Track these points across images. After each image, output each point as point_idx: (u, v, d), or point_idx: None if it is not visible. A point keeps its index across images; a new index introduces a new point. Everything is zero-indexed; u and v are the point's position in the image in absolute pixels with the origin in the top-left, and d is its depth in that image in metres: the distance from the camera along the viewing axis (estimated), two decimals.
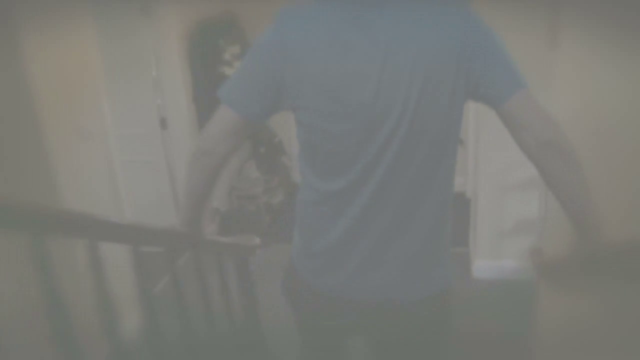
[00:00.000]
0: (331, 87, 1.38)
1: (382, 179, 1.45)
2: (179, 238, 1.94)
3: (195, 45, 4.54)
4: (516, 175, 3.61)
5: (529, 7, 3.09)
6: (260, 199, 5.03)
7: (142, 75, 4.28)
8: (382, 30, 1.35)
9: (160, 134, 4.46)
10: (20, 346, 1.77)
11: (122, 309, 1.87)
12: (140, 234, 1.91)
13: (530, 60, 3.12)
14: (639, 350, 1.53)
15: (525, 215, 3.63)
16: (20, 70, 2.52)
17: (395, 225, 1.50)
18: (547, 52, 2.73)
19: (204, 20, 4.62)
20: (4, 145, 2.49)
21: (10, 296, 2.23)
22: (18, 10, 2.48)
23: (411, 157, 1.42)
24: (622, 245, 1.40)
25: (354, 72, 1.36)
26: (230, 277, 2.47)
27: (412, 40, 1.35)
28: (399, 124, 1.38)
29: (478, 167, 3.92)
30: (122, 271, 2.12)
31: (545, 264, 1.91)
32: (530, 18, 3.07)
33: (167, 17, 4.29)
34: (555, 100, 2.20)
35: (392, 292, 1.57)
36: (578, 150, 1.35)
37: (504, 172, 3.67)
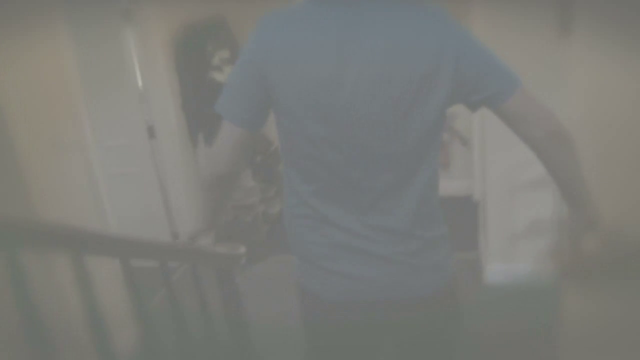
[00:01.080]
0: (309, 89, 1.42)
1: (361, 181, 1.52)
2: (165, 250, 1.97)
3: (182, 50, 4.44)
4: (527, 174, 3.50)
5: None
6: (257, 208, 4.95)
7: (127, 83, 4.18)
8: (361, 34, 1.39)
9: (148, 143, 4.36)
10: None
11: (117, 324, 1.81)
12: (125, 245, 1.85)
13: (539, 49, 3.11)
14: None
15: (538, 215, 3.55)
16: None
17: (382, 223, 1.56)
18: (558, 39, 2.66)
19: (191, 24, 4.54)
20: None
21: None
22: None
23: (389, 160, 1.49)
24: None
25: (332, 75, 1.40)
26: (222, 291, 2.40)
27: (392, 43, 1.38)
28: (377, 128, 1.44)
29: (485, 168, 3.85)
30: (116, 286, 2.05)
31: (568, 264, 1.85)
32: (540, 3, 2.99)
33: (150, 21, 4.20)
34: (568, 90, 2.15)
35: (395, 290, 1.61)
36: (592, 142, 1.43)
37: (513, 171, 3.57)
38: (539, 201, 3.47)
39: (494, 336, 3.18)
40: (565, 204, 1.60)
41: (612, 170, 1.87)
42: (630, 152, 1.76)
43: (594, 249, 1.66)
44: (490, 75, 1.43)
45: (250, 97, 1.50)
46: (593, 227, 1.58)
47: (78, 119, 3.08)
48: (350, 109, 1.42)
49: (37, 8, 2.79)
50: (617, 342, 1.82)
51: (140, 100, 4.27)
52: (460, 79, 1.42)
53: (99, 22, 3.95)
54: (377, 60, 1.39)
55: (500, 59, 1.46)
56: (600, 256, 1.67)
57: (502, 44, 2.99)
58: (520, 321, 3.25)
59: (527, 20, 2.85)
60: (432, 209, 1.62)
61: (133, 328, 2.04)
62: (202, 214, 1.85)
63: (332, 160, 1.49)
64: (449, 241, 1.71)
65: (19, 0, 2.60)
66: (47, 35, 2.90)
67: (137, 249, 1.91)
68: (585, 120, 2.04)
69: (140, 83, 4.24)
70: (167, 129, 4.41)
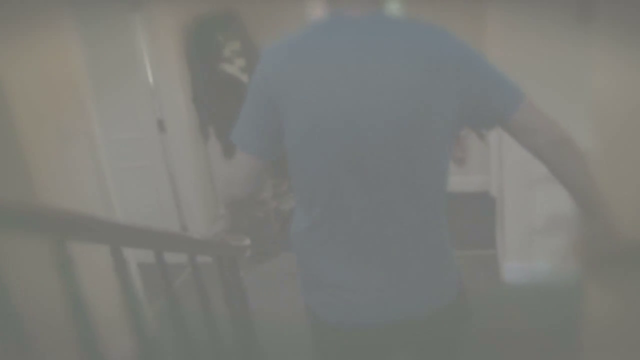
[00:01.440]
0: (319, 115, 1.44)
1: (370, 204, 1.52)
2: (167, 240, 1.97)
3: (192, 41, 4.42)
4: (545, 168, 3.43)
5: None
6: (269, 204, 4.90)
7: (136, 76, 4.15)
8: (368, 57, 1.41)
9: (158, 137, 4.33)
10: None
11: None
12: (128, 234, 1.82)
13: (557, 36, 3.04)
14: None
15: (557, 211, 3.46)
16: None
17: (389, 242, 1.57)
18: (577, 26, 2.59)
19: (201, 15, 4.51)
20: None
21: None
22: None
23: (398, 183, 1.50)
24: None
25: (341, 100, 1.42)
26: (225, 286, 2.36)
27: (399, 65, 1.40)
28: (385, 150, 1.45)
29: (503, 162, 3.79)
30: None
31: (589, 261, 1.79)
32: None
33: (160, 12, 4.17)
34: (589, 79, 2.08)
35: (404, 309, 1.62)
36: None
37: (531, 166, 3.40)
38: (558, 196, 3.27)
39: (511, 336, 3.12)
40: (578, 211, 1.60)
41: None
42: None
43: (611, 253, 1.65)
44: (495, 90, 1.45)
45: (262, 127, 1.54)
46: (608, 236, 1.57)
47: (85, 111, 3.05)
48: (360, 132, 1.44)
49: (44, 2, 2.77)
50: None
51: (150, 93, 4.24)
52: (467, 97, 1.43)
53: (108, 13, 3.91)
54: (385, 82, 1.41)
55: (504, 73, 1.47)
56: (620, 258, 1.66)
57: (520, 38, 2.91)
58: (540, 321, 3.18)
59: (544, 9, 2.78)
60: (439, 231, 1.63)
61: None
62: (224, 222, 1.97)
63: (342, 184, 1.51)
64: (453, 252, 1.69)
65: None
66: (55, 27, 2.88)
67: (135, 237, 1.87)
68: (609, 114, 1.98)
69: (150, 75, 4.20)
70: (177, 122, 4.37)
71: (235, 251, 2.30)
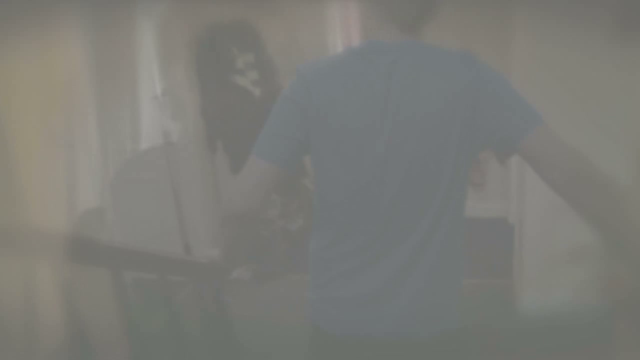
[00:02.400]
0: (349, 135, 1.55)
1: (389, 230, 1.60)
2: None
3: (203, 51, 4.38)
4: None
5: None
6: (276, 223, 4.83)
7: (143, 85, 4.12)
8: (396, 82, 1.52)
9: (163, 149, 4.28)
10: None
11: None
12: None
13: (593, 53, 2.97)
14: None
15: (581, 239, 3.39)
16: None
17: (403, 261, 1.62)
18: (618, 41, 2.51)
19: (215, 24, 4.49)
20: None
21: None
22: None
23: (416, 205, 1.58)
24: None
25: (371, 121, 1.54)
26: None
27: (425, 91, 1.52)
28: (405, 171, 1.55)
29: (523, 188, 3.73)
30: None
31: (624, 296, 1.72)
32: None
33: (171, 20, 4.15)
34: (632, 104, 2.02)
35: (408, 327, 1.66)
36: None
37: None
38: (582, 224, 3.28)
39: None
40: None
41: None
42: None
43: None
44: (510, 112, 1.50)
45: (290, 137, 1.59)
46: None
47: (84, 119, 3.02)
48: (386, 155, 1.54)
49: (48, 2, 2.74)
50: None
51: (157, 103, 4.22)
52: (483, 120, 1.52)
53: (115, 19, 3.89)
54: (413, 108, 1.52)
55: (523, 98, 1.54)
56: None
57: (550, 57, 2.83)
58: (559, 357, 3.09)
59: (578, 21, 2.72)
60: (453, 256, 1.67)
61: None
62: (224, 244, 2.01)
63: (366, 203, 1.59)
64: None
65: None
66: (58, 31, 2.86)
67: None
68: None
69: (157, 84, 4.19)
70: (183, 134, 4.36)
71: (213, 273, 2.25)
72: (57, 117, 2.76)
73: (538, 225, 3.64)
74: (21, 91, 2.50)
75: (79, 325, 1.50)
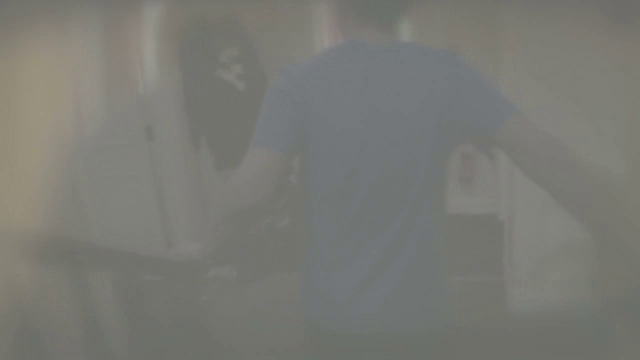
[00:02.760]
0: (328, 132, 1.60)
1: (367, 222, 1.65)
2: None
3: (187, 45, 4.36)
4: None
5: None
6: (262, 221, 4.81)
7: (125, 79, 4.06)
8: (377, 80, 1.59)
9: (146, 145, 4.26)
10: None
11: None
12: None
13: (585, 44, 2.95)
14: None
15: (572, 236, 3.39)
16: None
17: (389, 255, 1.67)
18: (611, 32, 2.49)
19: (198, 17, 4.45)
20: None
21: None
22: None
23: (394, 197, 1.63)
24: None
25: (351, 118, 1.59)
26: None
27: (405, 90, 1.58)
28: (389, 165, 1.60)
29: (513, 184, 3.73)
30: None
31: (617, 292, 1.69)
32: None
33: (154, 13, 4.12)
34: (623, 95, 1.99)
35: (388, 320, 1.71)
36: None
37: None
38: (572, 220, 3.28)
39: None
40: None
41: None
42: None
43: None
44: (485, 104, 1.56)
45: (287, 123, 1.60)
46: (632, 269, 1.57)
47: (60, 114, 2.96)
48: (371, 150, 1.59)
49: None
50: None
51: (140, 98, 4.17)
52: (461, 113, 1.57)
53: (97, 13, 3.85)
54: (393, 104, 1.58)
55: (498, 90, 1.61)
56: None
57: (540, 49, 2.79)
58: (549, 356, 3.08)
59: (570, 12, 2.70)
60: (435, 251, 1.71)
61: None
62: (211, 243, 1.88)
63: (355, 199, 1.63)
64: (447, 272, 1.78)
65: None
66: (39, 26, 2.82)
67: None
68: None
69: (140, 79, 4.14)
70: (167, 130, 4.30)
71: (193, 273, 2.20)
72: (35, 113, 2.72)
73: (528, 222, 3.63)
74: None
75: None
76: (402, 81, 1.58)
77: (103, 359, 1.79)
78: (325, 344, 1.78)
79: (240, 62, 4.57)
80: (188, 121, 4.46)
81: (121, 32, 4.00)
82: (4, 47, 2.46)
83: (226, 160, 4.45)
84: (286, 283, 1.80)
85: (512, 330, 3.52)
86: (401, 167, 1.60)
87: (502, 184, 5.04)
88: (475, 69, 1.62)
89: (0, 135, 2.47)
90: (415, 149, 1.59)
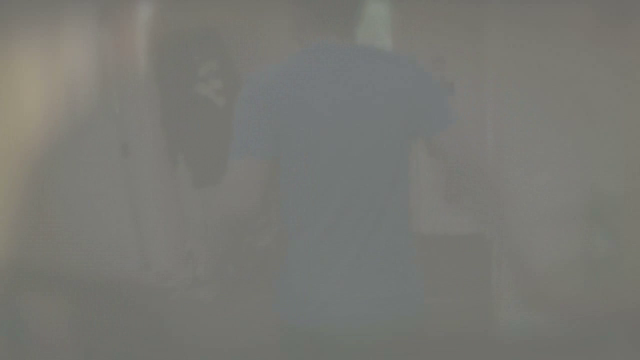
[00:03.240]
0: (299, 134, 1.73)
1: (348, 216, 1.78)
2: None
3: (164, 58, 4.32)
4: (550, 206, 3.30)
5: None
6: (243, 240, 4.75)
7: (99, 93, 3.98)
8: (339, 80, 1.74)
9: (121, 162, 4.19)
10: None
11: None
12: None
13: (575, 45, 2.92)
14: None
15: (563, 255, 3.36)
16: None
17: (366, 251, 1.81)
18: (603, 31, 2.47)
19: (176, 30, 4.41)
20: None
21: None
22: None
23: (365, 195, 1.78)
24: None
25: (318, 120, 1.72)
26: None
27: (364, 91, 1.74)
28: (356, 166, 1.76)
29: (500, 202, 3.69)
30: None
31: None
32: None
33: (130, 25, 4.07)
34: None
35: (363, 314, 1.83)
36: None
37: (534, 203, 3.36)
38: (563, 240, 3.28)
39: None
40: None
41: None
42: None
43: None
44: (432, 109, 1.80)
45: (260, 130, 1.73)
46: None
47: (38, 132, 2.91)
48: (344, 147, 1.74)
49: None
50: None
51: (114, 114, 4.13)
52: (415, 112, 1.78)
53: (70, 23, 3.79)
54: (354, 105, 1.73)
55: (446, 98, 1.86)
56: None
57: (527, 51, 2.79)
58: None
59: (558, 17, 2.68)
60: (404, 243, 1.90)
61: None
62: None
63: (329, 196, 1.77)
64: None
65: None
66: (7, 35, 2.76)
67: None
68: None
69: (115, 94, 4.10)
70: (143, 147, 4.25)
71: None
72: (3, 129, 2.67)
73: (516, 240, 3.61)
74: None
75: None
76: (367, 82, 1.74)
77: None
78: (301, 345, 1.88)
79: (219, 77, 4.53)
80: (166, 137, 4.41)
81: (95, 46, 3.95)
82: None
83: (205, 178, 4.39)
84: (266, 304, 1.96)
85: (500, 352, 3.49)
86: (371, 165, 1.76)
87: (489, 202, 5.00)
88: (429, 74, 1.86)
89: None
90: (382, 145, 1.75)
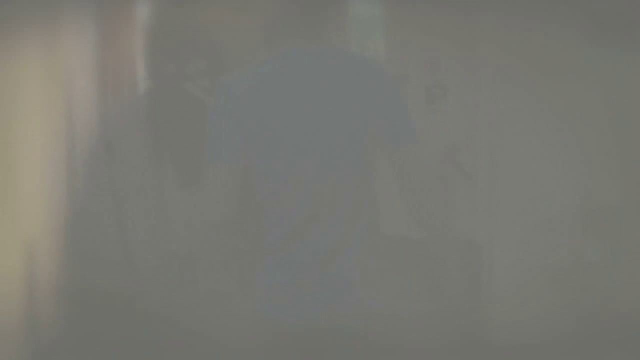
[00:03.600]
0: (270, 138, 1.85)
1: (317, 218, 1.90)
2: None
3: (151, 55, 4.29)
4: (542, 213, 3.30)
5: None
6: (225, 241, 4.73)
7: (82, 90, 3.97)
8: (309, 86, 1.86)
9: (105, 160, 4.14)
10: None
11: None
12: None
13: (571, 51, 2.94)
14: None
15: (556, 264, 3.36)
16: None
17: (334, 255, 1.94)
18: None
19: (165, 27, 4.39)
20: None
21: None
22: None
23: (333, 196, 1.89)
24: None
25: (288, 124, 1.85)
26: None
27: (332, 96, 1.85)
28: (322, 168, 1.86)
29: (493, 205, 3.72)
30: None
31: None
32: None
33: (115, 21, 4.06)
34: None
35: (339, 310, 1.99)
36: None
37: (527, 209, 3.37)
38: (555, 246, 3.28)
39: None
40: None
41: None
42: None
43: None
44: (395, 124, 1.93)
45: (231, 136, 1.86)
46: None
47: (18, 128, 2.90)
48: (312, 151, 1.84)
49: None
50: None
51: (99, 109, 4.08)
52: (378, 124, 1.90)
53: (56, 18, 3.77)
54: (323, 109, 1.84)
55: (408, 113, 1.99)
56: None
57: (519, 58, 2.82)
58: None
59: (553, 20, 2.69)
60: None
61: None
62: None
63: (299, 200, 1.89)
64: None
65: None
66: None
67: None
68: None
69: (98, 90, 4.04)
70: (127, 145, 4.20)
71: None
72: None
73: (507, 247, 3.61)
74: None
75: None
76: (336, 86, 1.87)
77: None
78: (278, 339, 2.00)
79: (208, 76, 4.51)
80: (151, 135, 4.36)
81: (82, 40, 3.94)
82: None
83: (191, 177, 4.38)
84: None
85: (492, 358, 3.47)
86: (337, 171, 1.88)
87: (480, 204, 5.02)
88: (396, 83, 2.04)
89: None
90: (349, 150, 1.87)
